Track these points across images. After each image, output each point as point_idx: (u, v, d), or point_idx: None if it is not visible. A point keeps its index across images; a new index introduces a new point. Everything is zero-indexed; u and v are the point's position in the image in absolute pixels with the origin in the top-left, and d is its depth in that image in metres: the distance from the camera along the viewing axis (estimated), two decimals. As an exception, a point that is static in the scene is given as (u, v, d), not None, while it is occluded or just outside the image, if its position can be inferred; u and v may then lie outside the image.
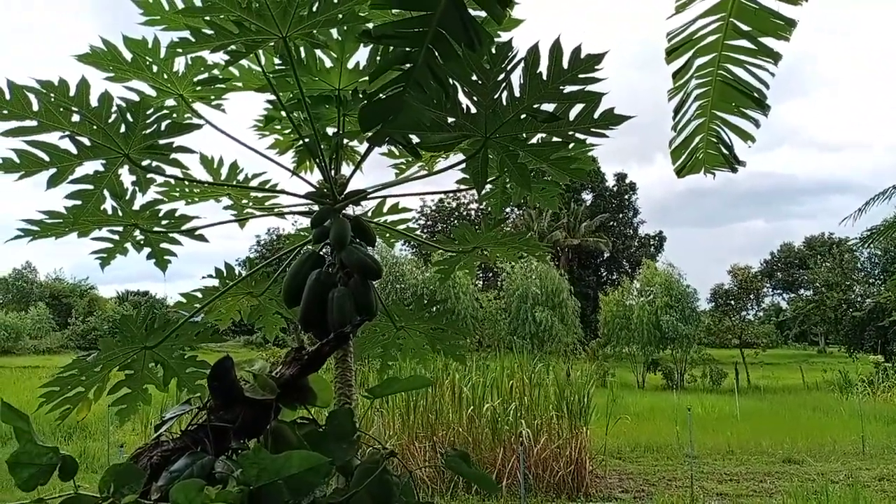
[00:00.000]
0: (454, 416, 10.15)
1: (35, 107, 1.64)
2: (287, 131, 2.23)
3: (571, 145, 1.81)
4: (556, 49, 1.49)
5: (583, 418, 10.14)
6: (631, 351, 34.19)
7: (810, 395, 24.49)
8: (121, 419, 2.23)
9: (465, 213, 58.07)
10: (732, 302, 40.19)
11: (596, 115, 1.62)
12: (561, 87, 1.54)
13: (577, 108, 1.62)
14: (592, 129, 1.64)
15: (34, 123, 1.67)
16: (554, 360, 15.72)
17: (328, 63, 1.91)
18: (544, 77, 1.52)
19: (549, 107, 1.62)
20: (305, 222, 2.45)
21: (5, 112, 1.64)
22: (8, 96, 1.62)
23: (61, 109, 1.64)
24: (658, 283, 34.04)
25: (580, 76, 1.51)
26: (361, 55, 1.92)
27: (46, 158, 1.72)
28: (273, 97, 2.06)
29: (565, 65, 1.50)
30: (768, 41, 1.77)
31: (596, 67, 1.51)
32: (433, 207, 58.55)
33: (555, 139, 1.75)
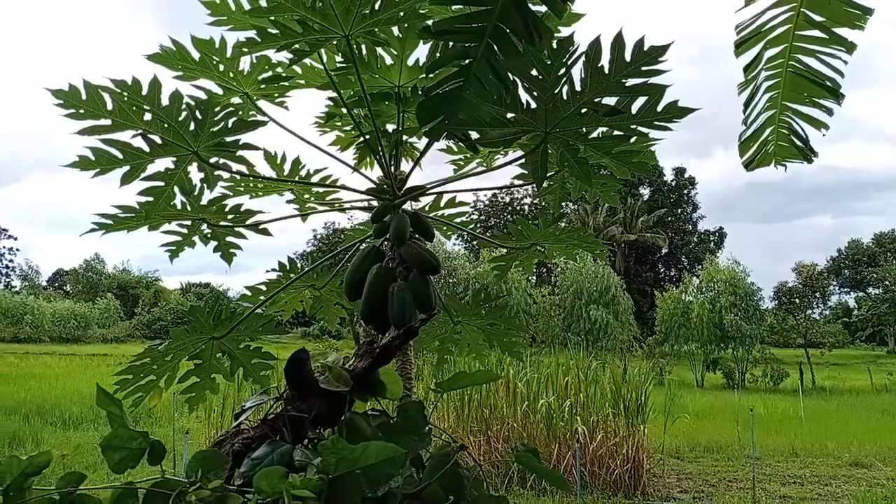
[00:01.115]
0: (508, 411, 10.13)
1: (109, 106, 1.71)
2: (348, 128, 2.26)
3: (633, 139, 1.78)
4: (618, 42, 1.47)
5: (640, 416, 9.98)
6: (689, 349, 33.42)
7: (879, 397, 23.50)
8: (190, 407, 2.31)
9: (518, 208, 57.78)
10: (797, 300, 38.84)
11: (659, 108, 1.59)
12: (623, 81, 1.52)
13: (640, 101, 1.60)
14: (655, 123, 1.61)
15: (108, 122, 1.74)
16: (609, 357, 15.52)
17: (388, 60, 1.93)
18: (606, 70, 1.50)
19: (610, 100, 1.60)
20: (363, 216, 2.49)
21: (81, 111, 1.72)
22: (84, 96, 1.70)
23: (134, 108, 1.70)
24: (721, 280, 33.13)
25: (643, 69, 1.49)
26: (421, 52, 1.93)
27: (120, 156, 1.79)
28: (334, 94, 2.10)
29: (628, 57, 1.48)
30: (842, 31, 1.71)
31: (659, 59, 1.48)
32: (486, 202, 58.45)
33: (616, 133, 1.73)
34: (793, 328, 37.10)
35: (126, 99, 1.67)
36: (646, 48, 1.46)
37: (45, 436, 13.14)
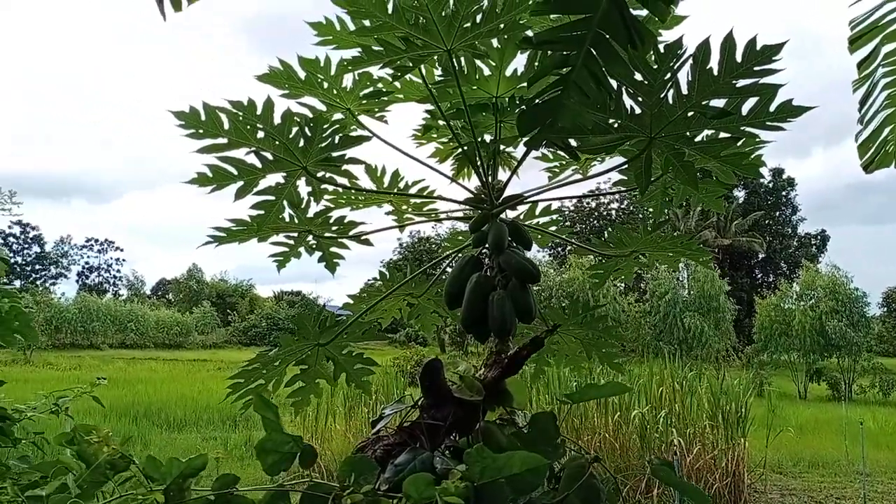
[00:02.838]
0: (600, 422, 9.94)
1: (226, 125, 1.80)
2: (445, 139, 2.30)
3: (741, 141, 1.73)
4: (728, 42, 1.43)
5: (740, 428, 9.57)
6: (790, 358, 31.78)
7: None
8: (295, 410, 2.40)
9: (605, 214, 56.71)
10: (908, 306, 36.25)
11: (772, 108, 1.54)
12: (733, 82, 1.47)
13: (750, 102, 1.55)
14: (768, 123, 1.56)
15: (224, 141, 1.84)
16: (705, 366, 14.98)
17: (486, 71, 1.95)
18: (715, 72, 1.47)
19: (719, 103, 1.56)
20: (449, 225, 2.52)
21: (201, 131, 1.83)
22: (203, 117, 1.80)
23: (248, 127, 1.80)
24: (821, 286, 31.41)
25: (755, 69, 1.44)
26: (519, 62, 1.94)
27: (235, 172, 1.89)
28: (431, 107, 2.14)
29: (739, 58, 1.44)
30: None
31: (773, 58, 1.43)
32: (571, 208, 57.69)
33: (723, 135, 1.68)
34: (904, 336, 34.65)
35: (241, 118, 1.76)
36: (758, 47, 1.41)
37: (152, 437, 13.91)
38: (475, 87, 1.97)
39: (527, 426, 1.36)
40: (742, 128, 1.60)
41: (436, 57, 1.80)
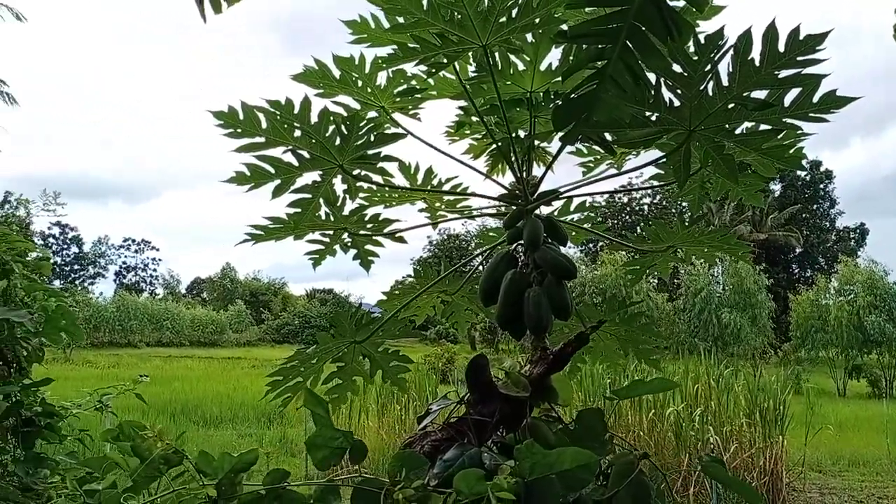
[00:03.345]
0: (634, 419, 9.85)
1: (264, 125, 1.82)
2: (479, 136, 2.29)
3: (782, 133, 1.69)
4: (770, 32, 1.40)
5: (778, 426, 9.40)
6: (829, 355, 31.12)
7: None
8: (332, 407, 2.41)
9: (637, 209, 56.10)
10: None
11: (815, 99, 1.50)
12: (776, 73, 1.44)
13: (793, 93, 1.52)
14: (811, 115, 1.53)
15: (262, 140, 1.86)
16: (741, 363, 14.74)
17: (521, 66, 1.94)
18: (757, 63, 1.44)
19: (760, 94, 1.53)
20: (490, 223, 2.52)
21: (239, 130, 1.85)
22: (241, 116, 1.82)
23: (286, 126, 1.81)
24: (859, 280, 30.68)
25: (798, 59, 1.41)
26: (553, 56, 1.93)
27: (272, 171, 1.92)
28: (464, 103, 2.14)
29: (781, 48, 1.41)
30: None
31: (816, 48, 1.40)
32: (603, 203, 57.20)
33: (763, 127, 1.65)
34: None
35: (279, 118, 1.78)
36: (801, 37, 1.38)
37: (189, 434, 14.14)
38: (509, 83, 1.96)
39: (573, 422, 1.36)
40: (784, 119, 1.56)
41: (470, 53, 1.80)
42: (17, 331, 2.33)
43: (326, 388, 2.30)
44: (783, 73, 1.45)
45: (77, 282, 69.93)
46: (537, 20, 1.64)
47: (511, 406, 1.33)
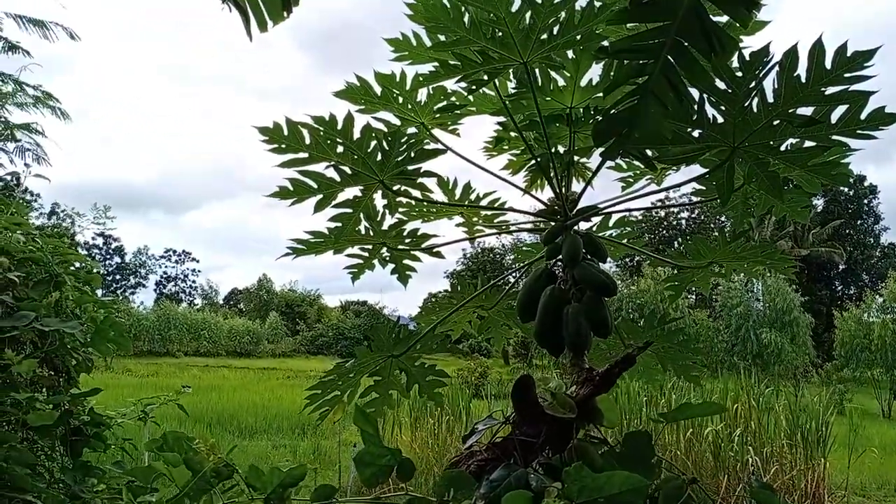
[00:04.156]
0: (671, 438, 9.66)
1: (307, 140, 1.86)
2: (517, 151, 2.30)
3: (828, 150, 1.67)
4: (817, 49, 1.38)
5: (820, 448, 9.13)
6: (873, 375, 30.16)
7: None
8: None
9: (674, 223, 55.35)
10: None
11: (862, 116, 1.48)
12: (822, 89, 1.42)
13: (840, 109, 1.50)
14: (858, 132, 1.50)
15: (305, 155, 1.90)
16: (782, 383, 14.38)
17: (561, 82, 1.94)
18: (803, 80, 1.42)
19: (805, 110, 1.51)
20: (525, 237, 2.51)
21: (283, 146, 1.89)
22: (285, 132, 1.86)
23: (328, 142, 1.84)
24: (907, 296, 29.71)
25: (845, 76, 1.39)
26: (593, 72, 1.93)
27: (315, 186, 1.95)
28: (503, 119, 2.15)
29: (828, 65, 1.39)
30: None
31: (864, 65, 1.38)
32: (639, 217, 56.51)
33: (808, 144, 1.63)
34: None
35: (322, 133, 1.81)
36: (849, 54, 1.36)
37: (224, 444, 14.30)
38: (549, 99, 1.97)
39: (620, 445, 1.34)
40: (830, 136, 1.54)
41: (511, 70, 1.81)
42: (68, 341, 2.40)
43: (364, 401, 2.32)
44: (830, 90, 1.43)
45: (118, 291, 71.61)
46: (578, 37, 1.65)
47: (557, 427, 1.32)
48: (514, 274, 2.55)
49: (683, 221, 54.74)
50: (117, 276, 74.37)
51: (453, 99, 2.12)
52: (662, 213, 55.46)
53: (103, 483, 2.01)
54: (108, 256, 73.98)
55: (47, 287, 2.42)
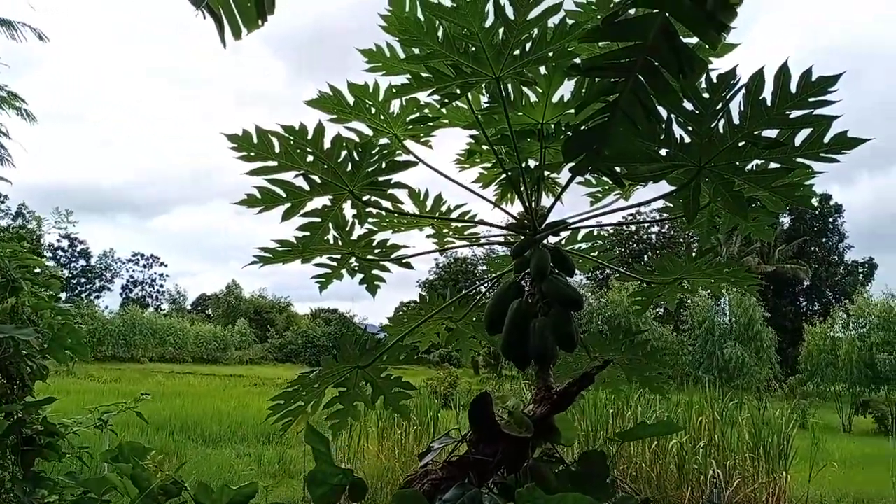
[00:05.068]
0: (636, 450, 9.74)
1: (277, 149, 1.84)
2: (489, 165, 2.30)
3: (792, 171, 1.70)
4: (783, 73, 1.41)
5: (782, 462, 9.28)
6: (836, 390, 30.76)
7: None
8: (333, 433, 2.40)
9: (644, 237, 56.04)
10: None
11: (826, 139, 1.51)
12: (787, 113, 1.45)
13: (804, 132, 1.53)
14: (822, 155, 1.53)
15: (275, 164, 1.88)
16: (746, 396, 14.59)
17: (533, 98, 1.95)
18: (768, 103, 1.45)
19: (771, 133, 1.54)
20: (498, 249, 2.51)
21: (252, 154, 1.86)
22: (255, 140, 1.84)
23: (298, 151, 1.83)
24: (874, 315, 30.37)
25: (810, 100, 1.42)
26: (565, 89, 1.94)
27: (283, 194, 1.93)
28: (475, 132, 2.15)
29: (793, 89, 1.42)
30: None
31: (828, 90, 1.41)
32: (610, 232, 57.12)
33: (773, 165, 1.66)
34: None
35: (292, 142, 1.80)
36: (814, 79, 1.39)
37: (188, 452, 14.01)
38: (521, 114, 1.98)
39: (575, 464, 1.34)
40: (794, 158, 1.57)
41: (483, 84, 1.82)
42: (23, 348, 2.34)
43: (328, 412, 2.29)
44: (794, 114, 1.46)
45: (83, 294, 70.09)
46: (551, 54, 1.66)
47: (513, 446, 1.32)
48: (484, 285, 2.55)
49: (654, 236, 55.46)
50: (82, 279, 72.81)
51: (426, 111, 2.11)
52: (633, 227, 56.13)
53: (55, 494, 1.95)
54: (74, 259, 72.43)
55: (3, 293, 2.36)
